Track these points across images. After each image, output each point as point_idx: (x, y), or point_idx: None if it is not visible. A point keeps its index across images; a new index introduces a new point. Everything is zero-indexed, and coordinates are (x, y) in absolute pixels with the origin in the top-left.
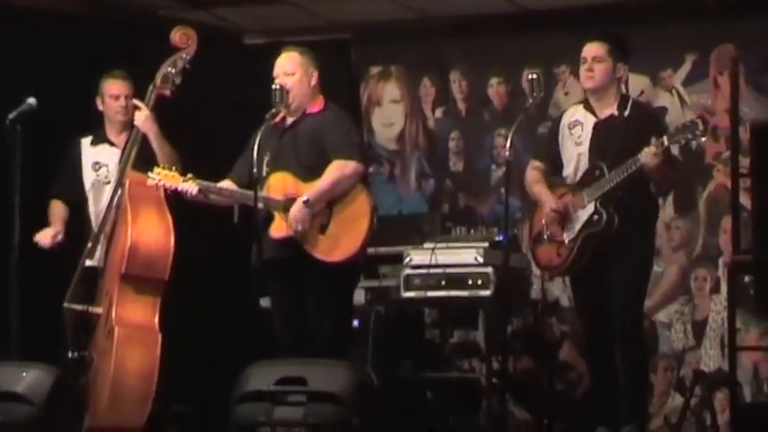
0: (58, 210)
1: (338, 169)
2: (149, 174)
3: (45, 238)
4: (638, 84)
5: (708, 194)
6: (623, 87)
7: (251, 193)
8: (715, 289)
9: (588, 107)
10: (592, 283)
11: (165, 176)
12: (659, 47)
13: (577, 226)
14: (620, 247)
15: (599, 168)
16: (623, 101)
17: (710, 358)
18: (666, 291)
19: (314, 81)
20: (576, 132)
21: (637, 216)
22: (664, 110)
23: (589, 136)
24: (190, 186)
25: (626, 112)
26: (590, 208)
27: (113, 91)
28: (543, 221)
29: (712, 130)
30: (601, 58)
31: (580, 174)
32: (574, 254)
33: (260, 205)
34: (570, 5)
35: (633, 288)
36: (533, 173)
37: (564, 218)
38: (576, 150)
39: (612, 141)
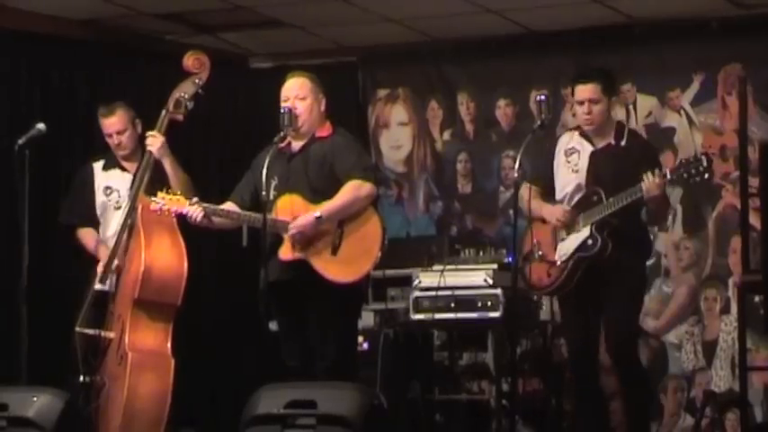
0: (92, 235)
1: (353, 190)
2: (153, 198)
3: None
4: (646, 104)
5: (717, 214)
6: (617, 115)
7: (258, 215)
8: (725, 309)
9: (584, 135)
10: (581, 304)
11: (169, 201)
12: (667, 67)
13: (571, 248)
14: (614, 274)
15: (597, 194)
16: (619, 130)
17: (721, 379)
18: (676, 311)
19: (323, 107)
20: (573, 160)
21: (631, 243)
22: (671, 130)
23: (586, 164)
24: (195, 210)
25: (623, 142)
26: (585, 232)
27: (105, 130)
28: (536, 240)
29: (720, 150)
30: (597, 99)
31: (575, 199)
32: (564, 275)
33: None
34: (577, 27)
35: (629, 314)
36: (529, 190)
37: (556, 236)
38: (572, 177)
39: (609, 169)
